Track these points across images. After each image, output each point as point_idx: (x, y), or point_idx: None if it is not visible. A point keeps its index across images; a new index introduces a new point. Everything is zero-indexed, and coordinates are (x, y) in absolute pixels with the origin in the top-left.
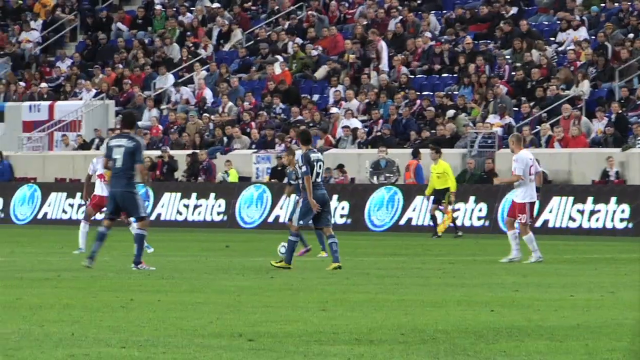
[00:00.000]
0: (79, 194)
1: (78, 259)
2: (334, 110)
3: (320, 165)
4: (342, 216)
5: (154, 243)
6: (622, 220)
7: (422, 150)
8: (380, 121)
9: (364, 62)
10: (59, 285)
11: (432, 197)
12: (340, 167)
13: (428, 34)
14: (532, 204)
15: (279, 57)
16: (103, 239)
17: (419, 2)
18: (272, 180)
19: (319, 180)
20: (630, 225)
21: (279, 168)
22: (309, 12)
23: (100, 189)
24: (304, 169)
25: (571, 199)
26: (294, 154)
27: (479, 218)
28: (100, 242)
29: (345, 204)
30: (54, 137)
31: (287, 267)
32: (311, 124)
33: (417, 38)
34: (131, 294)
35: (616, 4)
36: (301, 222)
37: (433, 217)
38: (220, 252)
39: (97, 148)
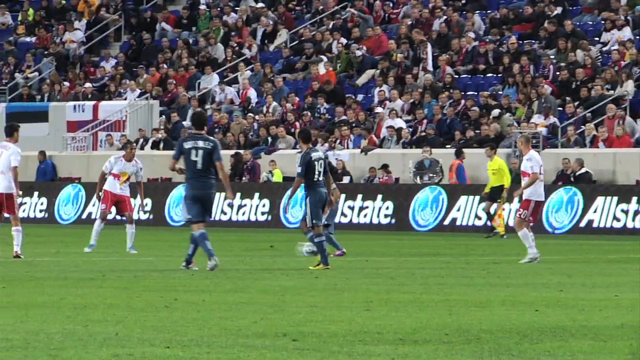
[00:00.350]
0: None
1: (127, 258)
2: (378, 110)
3: (321, 164)
4: (386, 216)
5: None
6: None
7: (465, 150)
8: (425, 121)
9: (414, 61)
10: (103, 285)
11: (479, 196)
12: (385, 167)
13: (472, 34)
14: (538, 202)
15: (323, 57)
16: (206, 237)
17: (463, 1)
18: None
19: (320, 178)
20: None
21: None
22: (349, 10)
23: (112, 187)
24: (299, 169)
25: (615, 198)
26: None
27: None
28: (207, 241)
29: (389, 204)
30: (98, 137)
31: (326, 268)
32: (354, 124)
33: (462, 38)
34: (175, 294)
35: None
36: (314, 221)
37: (488, 215)
38: (265, 252)
39: (142, 148)
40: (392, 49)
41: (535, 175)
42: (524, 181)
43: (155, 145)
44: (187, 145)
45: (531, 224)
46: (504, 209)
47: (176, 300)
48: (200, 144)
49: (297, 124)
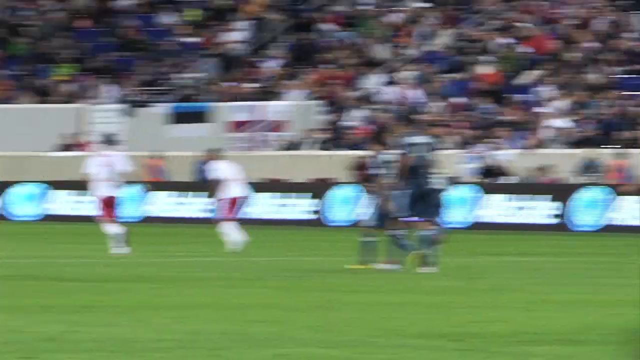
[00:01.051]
0: (292, 195)
1: (287, 259)
2: (541, 109)
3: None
4: (549, 216)
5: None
6: None
7: (629, 150)
8: (588, 121)
9: (584, 60)
10: (263, 285)
11: None
12: (547, 167)
13: (633, 35)
14: None
15: (486, 56)
16: (430, 241)
17: (626, 1)
18: (485, 179)
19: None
20: None
21: (490, 168)
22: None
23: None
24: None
25: None
26: None
27: None
28: (431, 246)
29: (552, 204)
30: (260, 137)
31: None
32: (515, 124)
33: (624, 38)
34: (335, 294)
35: None
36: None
37: None
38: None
39: (304, 148)
40: (555, 48)
41: None
42: None
43: (318, 146)
44: (415, 140)
45: None
46: None
47: (336, 301)
48: (426, 139)
49: (461, 123)
